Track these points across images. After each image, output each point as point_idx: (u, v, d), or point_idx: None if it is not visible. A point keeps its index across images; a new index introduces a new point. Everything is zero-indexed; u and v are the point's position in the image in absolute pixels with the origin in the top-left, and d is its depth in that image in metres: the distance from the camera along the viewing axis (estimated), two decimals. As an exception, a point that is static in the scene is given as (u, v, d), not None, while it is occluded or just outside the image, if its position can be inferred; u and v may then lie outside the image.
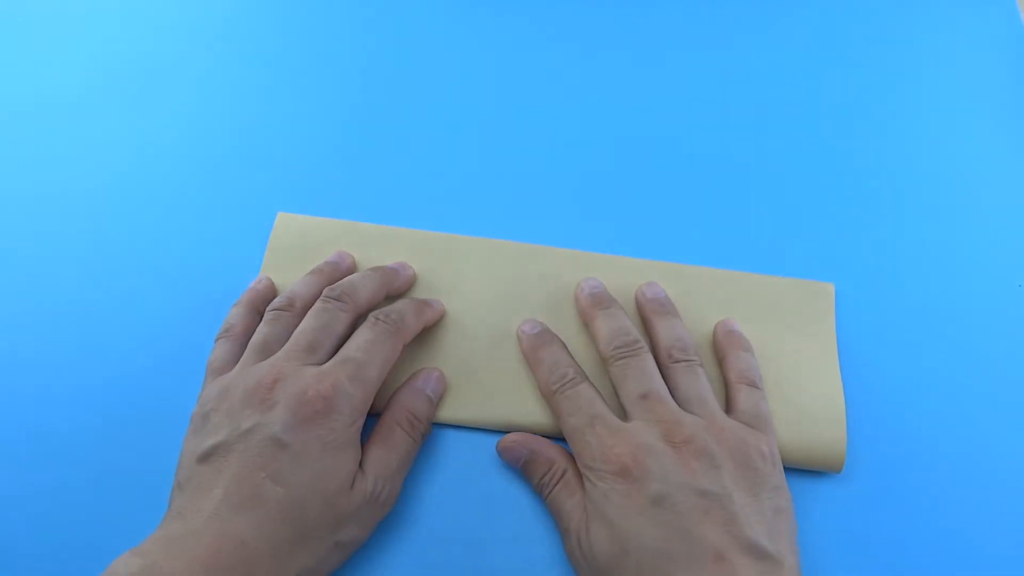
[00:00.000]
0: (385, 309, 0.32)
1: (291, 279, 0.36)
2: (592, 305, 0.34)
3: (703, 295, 0.36)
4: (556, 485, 0.31)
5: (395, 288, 0.35)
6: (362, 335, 0.31)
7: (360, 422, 0.30)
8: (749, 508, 0.27)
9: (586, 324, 0.35)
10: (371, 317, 0.32)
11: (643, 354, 0.32)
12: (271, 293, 0.35)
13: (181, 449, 0.30)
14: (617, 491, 0.28)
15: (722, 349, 0.34)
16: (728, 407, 0.32)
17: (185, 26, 0.45)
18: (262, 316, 0.34)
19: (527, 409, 0.33)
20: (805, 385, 0.34)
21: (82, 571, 0.31)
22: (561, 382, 0.32)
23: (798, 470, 0.33)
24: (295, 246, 0.37)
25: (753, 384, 0.33)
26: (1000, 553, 0.32)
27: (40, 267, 0.37)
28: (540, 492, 0.32)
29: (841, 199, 0.40)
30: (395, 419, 0.31)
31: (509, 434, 0.33)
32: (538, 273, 0.37)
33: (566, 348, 0.34)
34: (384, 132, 0.41)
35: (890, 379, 0.35)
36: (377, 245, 0.37)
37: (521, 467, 0.32)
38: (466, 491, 0.32)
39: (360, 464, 0.29)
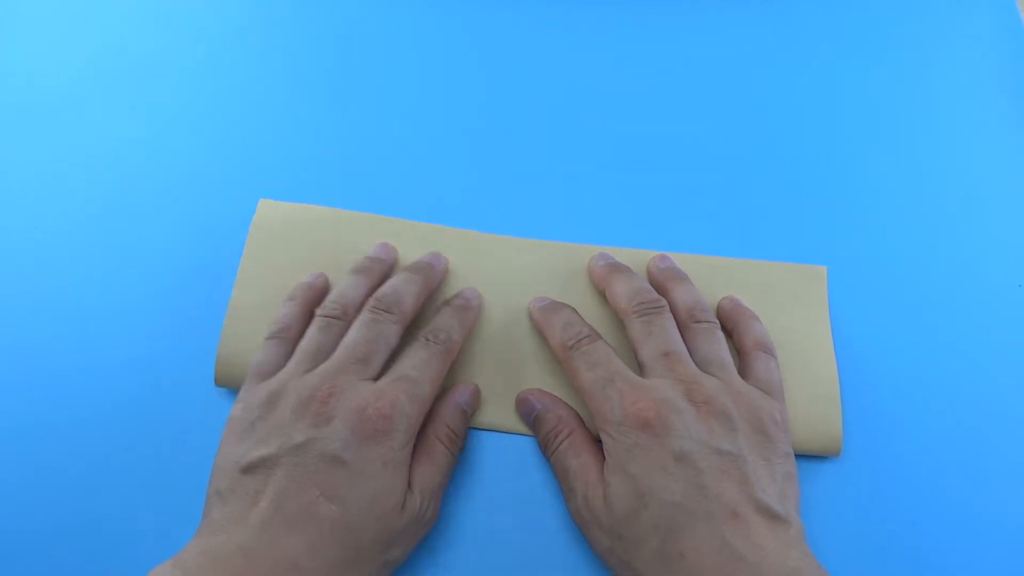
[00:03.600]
0: (434, 327, 0.32)
1: (274, 267, 0.36)
2: (609, 271, 0.35)
3: (698, 282, 0.36)
4: (562, 443, 0.31)
5: (434, 286, 0.35)
6: (416, 354, 0.31)
7: (413, 441, 0.29)
8: (762, 471, 0.28)
9: (603, 290, 0.35)
10: (422, 337, 0.32)
11: (666, 313, 0.32)
12: (325, 292, 0.35)
13: (218, 453, 0.29)
14: (640, 445, 0.28)
15: (733, 319, 0.35)
16: (743, 372, 0.32)
17: (165, 17, 0.45)
18: (313, 315, 0.33)
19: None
20: (800, 368, 0.34)
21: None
22: (577, 338, 0.32)
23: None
24: (277, 233, 0.37)
25: (769, 352, 0.33)
26: (995, 535, 0.32)
27: (20, 270, 0.37)
28: (545, 449, 0.32)
29: (838, 196, 0.39)
30: (436, 434, 0.31)
31: (527, 388, 0.34)
32: (531, 266, 0.36)
33: (577, 312, 0.34)
34: (368, 121, 0.41)
35: (885, 364, 0.35)
36: (362, 232, 0.37)
37: (532, 422, 0.33)
38: (471, 490, 0.32)
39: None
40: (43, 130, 0.41)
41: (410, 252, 0.37)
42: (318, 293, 0.34)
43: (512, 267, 0.36)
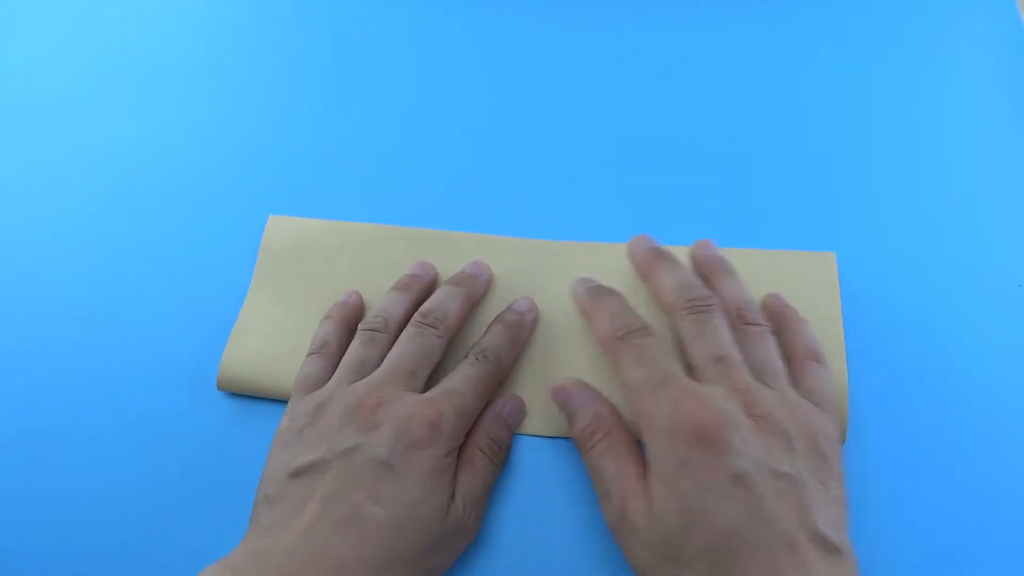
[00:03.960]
0: (485, 347, 0.33)
1: (286, 283, 0.36)
2: (654, 257, 0.33)
3: None
4: (599, 443, 0.29)
5: (478, 297, 0.35)
6: (465, 370, 0.32)
7: (456, 453, 0.30)
8: (819, 496, 0.26)
9: (645, 277, 0.33)
10: (472, 356, 0.32)
11: (718, 312, 0.30)
12: (361, 309, 0.35)
13: (267, 462, 0.30)
14: (693, 461, 0.26)
15: (778, 320, 0.32)
16: (794, 381, 0.30)
17: (173, 28, 0.45)
18: (353, 332, 0.34)
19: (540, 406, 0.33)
20: None
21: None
22: (627, 330, 0.30)
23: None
24: (288, 249, 0.37)
25: (820, 360, 0.31)
26: (995, 535, 0.31)
27: (26, 274, 0.37)
28: (581, 446, 0.30)
29: (837, 197, 0.39)
30: (477, 443, 0.31)
31: (566, 376, 0.32)
32: (538, 264, 0.37)
33: (626, 300, 0.32)
34: (375, 132, 0.42)
35: (883, 364, 0.35)
36: (371, 244, 0.37)
37: (567, 414, 0.31)
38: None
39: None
40: (51, 134, 0.41)
41: (418, 258, 0.37)
42: (353, 310, 0.35)
43: (519, 266, 0.37)
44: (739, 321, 0.31)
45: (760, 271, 0.36)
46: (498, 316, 0.34)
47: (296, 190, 0.39)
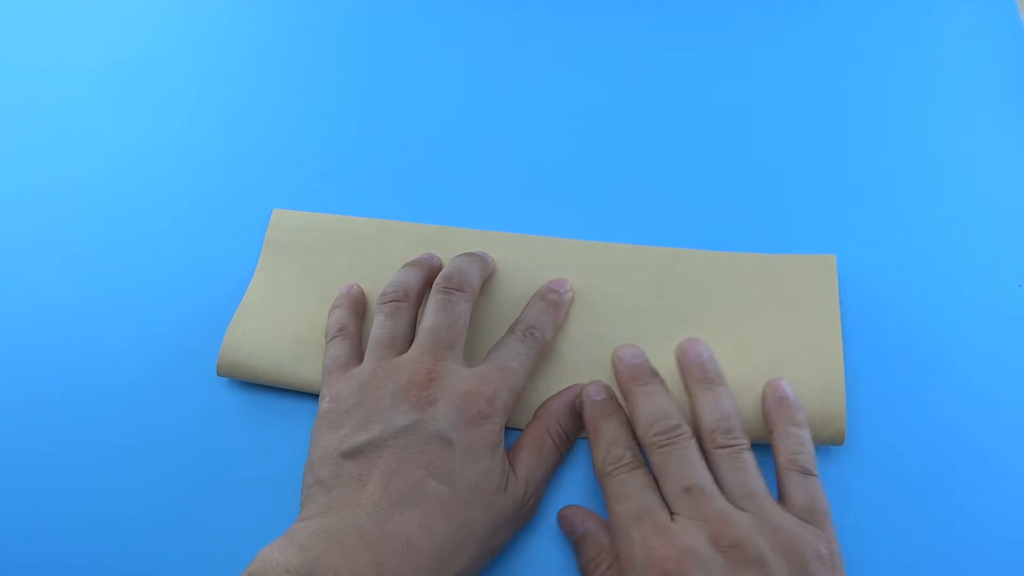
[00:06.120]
0: (531, 324, 0.33)
1: (289, 275, 0.36)
2: (631, 379, 0.31)
3: (705, 278, 0.36)
4: (603, 573, 0.28)
5: (490, 272, 0.35)
6: (514, 346, 0.32)
7: (504, 429, 0.30)
8: None
9: (624, 396, 0.32)
10: (519, 331, 0.33)
11: (684, 441, 0.29)
12: (364, 299, 0.36)
13: (312, 446, 0.29)
14: None
15: (771, 421, 0.31)
16: (780, 496, 0.29)
17: (180, 24, 0.45)
18: (363, 319, 0.34)
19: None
20: (806, 359, 0.34)
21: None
22: (616, 464, 0.29)
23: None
24: (292, 242, 0.37)
25: (807, 471, 0.29)
26: (993, 532, 0.32)
27: (33, 266, 0.37)
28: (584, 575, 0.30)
29: (835, 198, 0.39)
30: (548, 429, 0.31)
31: (571, 505, 0.31)
32: (540, 261, 0.37)
33: (628, 424, 0.31)
34: (379, 128, 0.42)
35: (883, 364, 0.35)
36: (375, 240, 0.37)
37: (574, 542, 0.30)
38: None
39: (512, 468, 0.30)
40: (53, 138, 0.41)
41: (421, 253, 0.37)
42: (358, 299, 0.35)
43: (519, 262, 0.37)
44: (711, 444, 0.29)
45: (760, 275, 0.36)
46: (538, 293, 0.35)
47: (301, 185, 0.39)
